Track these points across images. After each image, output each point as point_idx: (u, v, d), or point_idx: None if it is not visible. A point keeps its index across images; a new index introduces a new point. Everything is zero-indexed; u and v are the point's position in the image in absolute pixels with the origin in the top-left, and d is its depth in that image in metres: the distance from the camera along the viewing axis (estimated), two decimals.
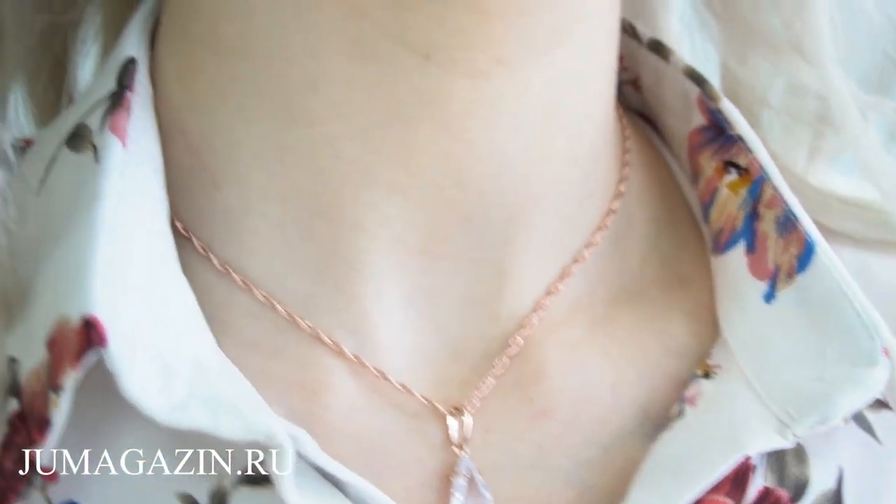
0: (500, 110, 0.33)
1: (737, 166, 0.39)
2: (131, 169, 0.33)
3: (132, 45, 0.36)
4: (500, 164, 0.34)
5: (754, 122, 0.40)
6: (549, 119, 0.34)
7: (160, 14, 0.37)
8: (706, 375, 0.36)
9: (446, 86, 0.32)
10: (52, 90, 0.43)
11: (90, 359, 0.29)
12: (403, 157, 0.33)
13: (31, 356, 0.31)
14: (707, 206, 0.39)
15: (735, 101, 0.40)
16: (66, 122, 0.36)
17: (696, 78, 0.40)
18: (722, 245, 0.38)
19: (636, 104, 0.44)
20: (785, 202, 0.37)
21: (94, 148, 0.34)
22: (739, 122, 0.39)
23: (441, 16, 0.31)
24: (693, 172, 0.41)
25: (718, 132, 0.39)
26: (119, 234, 0.32)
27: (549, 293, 0.37)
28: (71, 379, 0.30)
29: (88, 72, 0.43)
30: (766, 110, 0.43)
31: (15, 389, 0.31)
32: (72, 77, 0.42)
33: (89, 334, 0.29)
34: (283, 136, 0.33)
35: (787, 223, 0.37)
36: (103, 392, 0.31)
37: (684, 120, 0.41)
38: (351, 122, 0.33)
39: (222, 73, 0.34)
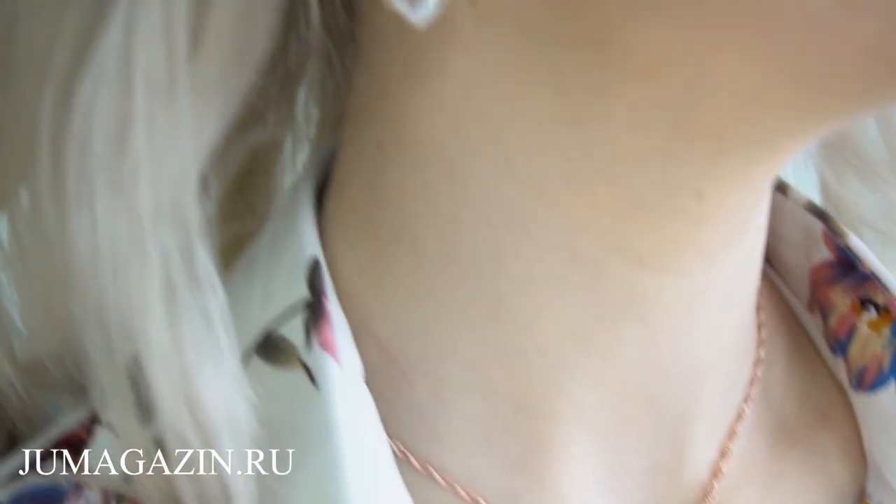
0: (697, 300, 0.34)
1: (874, 304, 0.40)
2: (349, 386, 0.32)
3: (309, 241, 0.34)
4: (687, 346, 0.35)
5: None
6: (729, 297, 0.35)
7: (325, 200, 0.36)
8: None
9: (654, 285, 0.33)
10: None
11: None
12: (608, 352, 0.33)
13: None
14: (843, 343, 0.40)
15: (837, 218, 0.41)
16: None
17: (817, 213, 0.41)
18: (867, 384, 0.39)
19: None
20: None
21: (305, 367, 0.32)
22: (870, 259, 0.40)
23: (659, 226, 0.32)
24: (817, 305, 0.41)
25: (847, 268, 0.40)
26: (361, 463, 0.31)
27: (722, 455, 0.37)
28: None
29: None
30: (865, 229, 0.45)
31: None
32: None
33: None
34: (484, 335, 0.33)
35: None
36: None
37: (805, 254, 0.41)
38: (559, 322, 0.33)
39: (419, 273, 0.33)
